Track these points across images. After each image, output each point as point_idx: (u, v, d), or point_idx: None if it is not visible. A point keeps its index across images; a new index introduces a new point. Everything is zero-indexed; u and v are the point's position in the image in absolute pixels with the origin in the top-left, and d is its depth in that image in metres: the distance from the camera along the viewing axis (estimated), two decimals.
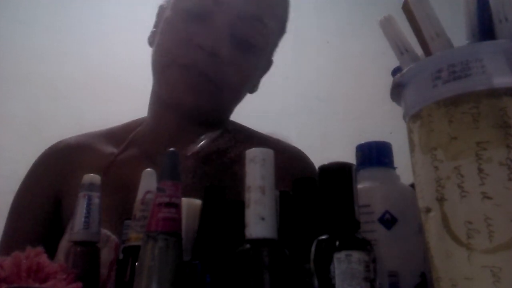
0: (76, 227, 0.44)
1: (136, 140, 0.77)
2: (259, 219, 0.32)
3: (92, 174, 0.46)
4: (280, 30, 0.77)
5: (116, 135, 0.79)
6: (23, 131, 1.75)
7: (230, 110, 0.77)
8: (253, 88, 0.79)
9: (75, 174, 0.73)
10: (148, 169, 0.44)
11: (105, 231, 0.49)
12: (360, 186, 0.39)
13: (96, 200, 0.45)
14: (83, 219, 0.44)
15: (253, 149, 0.34)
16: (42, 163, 0.79)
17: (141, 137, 0.77)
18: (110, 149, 0.76)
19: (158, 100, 0.74)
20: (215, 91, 0.68)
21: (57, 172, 0.75)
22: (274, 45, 0.78)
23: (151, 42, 0.75)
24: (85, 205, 0.44)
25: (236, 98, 0.74)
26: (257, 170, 0.33)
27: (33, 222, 0.73)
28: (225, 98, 0.70)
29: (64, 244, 0.49)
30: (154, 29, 0.76)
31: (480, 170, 0.26)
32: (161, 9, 0.75)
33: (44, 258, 0.38)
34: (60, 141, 0.81)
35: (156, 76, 0.72)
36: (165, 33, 0.71)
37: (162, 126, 0.74)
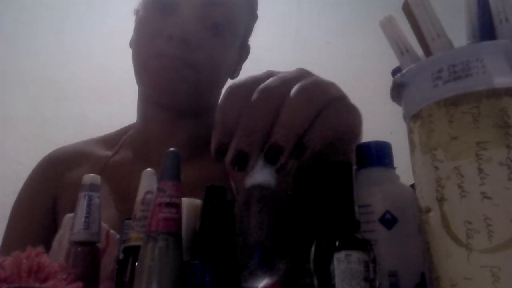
0: (76, 227, 0.44)
1: (128, 142, 0.79)
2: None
3: (92, 174, 0.47)
4: (250, 12, 0.79)
5: (110, 140, 0.82)
6: (26, 132, 1.75)
7: (212, 97, 0.77)
8: (233, 74, 0.80)
9: (70, 177, 0.75)
10: (148, 169, 0.44)
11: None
12: (360, 186, 0.39)
13: (96, 200, 0.45)
14: (83, 219, 0.44)
15: None
16: (40, 170, 0.81)
17: (132, 139, 0.79)
18: (104, 152, 0.78)
19: (144, 100, 0.76)
20: (192, 73, 0.69)
21: (54, 178, 0.77)
22: (247, 29, 0.80)
23: (131, 46, 0.77)
24: (85, 205, 0.44)
25: (215, 81, 0.75)
26: None
27: (32, 225, 0.75)
28: (204, 81, 0.71)
29: (57, 239, 0.50)
30: (133, 34, 0.77)
31: (480, 170, 0.26)
32: (136, 13, 0.77)
33: (44, 258, 0.38)
34: (58, 149, 0.84)
35: (137, 75, 0.74)
36: (138, 31, 0.74)
37: (150, 125, 0.76)
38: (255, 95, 0.36)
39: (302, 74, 0.40)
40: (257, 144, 0.35)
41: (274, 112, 0.36)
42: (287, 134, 0.35)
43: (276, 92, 0.37)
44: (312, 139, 0.36)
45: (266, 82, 0.37)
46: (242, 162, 0.34)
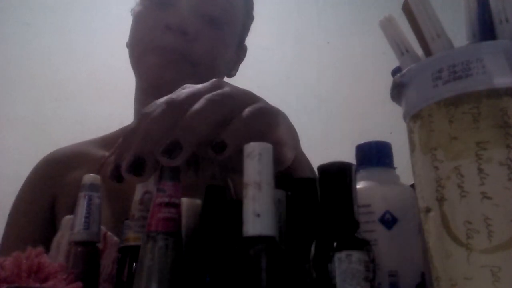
0: (76, 227, 0.44)
1: None
2: (254, 216, 0.32)
3: (92, 174, 0.47)
4: (246, 11, 0.80)
5: (108, 141, 0.82)
6: (27, 132, 1.75)
7: None
8: (230, 72, 0.81)
9: (68, 178, 0.75)
10: None
11: None
12: (360, 186, 0.39)
13: (96, 200, 0.45)
14: (83, 219, 0.44)
15: (250, 144, 0.34)
16: (38, 171, 0.81)
17: None
18: (102, 153, 0.78)
19: (141, 96, 0.76)
20: (190, 67, 0.69)
21: (52, 179, 0.77)
22: (244, 28, 0.81)
23: (128, 46, 0.77)
24: (85, 205, 0.44)
25: (213, 77, 0.75)
26: (253, 165, 0.33)
27: (31, 226, 0.75)
28: (201, 75, 0.71)
29: (56, 241, 0.50)
30: (130, 33, 0.77)
31: (480, 170, 0.26)
32: (132, 12, 0.77)
33: (44, 258, 0.38)
34: (56, 150, 0.84)
35: (135, 70, 0.73)
36: (136, 25, 0.74)
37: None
38: (158, 108, 0.37)
39: (214, 86, 0.40)
40: (152, 148, 0.35)
41: (175, 120, 0.36)
42: (186, 133, 0.35)
43: (180, 103, 0.37)
44: (229, 136, 0.36)
45: (170, 95, 0.38)
46: (138, 168, 0.35)
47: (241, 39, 0.81)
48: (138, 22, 0.74)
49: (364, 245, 0.31)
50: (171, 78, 0.68)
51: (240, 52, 0.82)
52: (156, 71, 0.68)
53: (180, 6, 0.70)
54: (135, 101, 0.78)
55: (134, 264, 0.39)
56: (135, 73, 0.74)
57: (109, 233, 0.49)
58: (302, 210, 0.38)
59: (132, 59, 0.74)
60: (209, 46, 0.71)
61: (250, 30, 0.84)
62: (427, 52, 0.32)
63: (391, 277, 0.36)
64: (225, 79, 0.80)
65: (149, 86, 0.72)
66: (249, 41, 0.84)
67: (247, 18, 0.81)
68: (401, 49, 0.33)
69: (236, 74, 0.84)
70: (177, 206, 0.36)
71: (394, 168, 0.42)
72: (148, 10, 0.72)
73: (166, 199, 0.35)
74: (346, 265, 0.30)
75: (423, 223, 0.30)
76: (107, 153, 0.78)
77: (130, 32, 0.76)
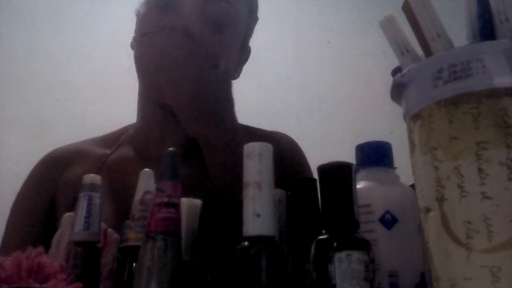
0: (77, 227, 0.44)
1: (127, 141, 0.79)
2: (254, 216, 0.32)
3: (92, 175, 0.46)
4: (250, 13, 0.80)
5: (109, 139, 0.82)
6: (26, 133, 1.75)
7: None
8: (233, 75, 0.81)
9: (68, 176, 0.75)
10: (146, 169, 0.44)
11: None
12: (360, 186, 0.39)
13: (96, 200, 0.45)
14: (83, 219, 0.44)
15: (250, 143, 0.34)
16: (38, 169, 0.81)
17: (131, 137, 0.79)
18: (102, 151, 0.78)
19: (144, 98, 0.76)
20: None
21: (52, 177, 0.77)
22: (247, 29, 0.81)
23: (132, 47, 0.77)
24: (85, 206, 0.44)
25: (216, 79, 0.75)
26: (253, 165, 0.33)
27: (31, 224, 0.75)
28: (204, 79, 0.71)
29: (56, 238, 0.50)
30: (135, 34, 0.77)
31: (480, 170, 0.26)
32: (137, 13, 0.78)
33: (44, 258, 0.38)
34: (56, 148, 0.84)
35: (138, 73, 0.73)
36: (140, 28, 0.74)
37: (150, 124, 0.76)
38: None
39: None
40: None
41: None
42: None
43: None
44: None
45: None
46: None
47: (245, 41, 0.81)
48: (143, 25, 0.74)
49: (364, 245, 0.31)
50: (174, 81, 0.68)
51: (243, 53, 0.82)
52: (157, 74, 0.69)
53: (183, 9, 0.70)
54: (138, 103, 0.78)
55: (134, 264, 0.39)
56: (138, 77, 0.74)
57: (110, 229, 0.49)
58: (302, 210, 0.38)
59: (136, 63, 0.74)
60: (213, 49, 0.71)
61: None
62: (427, 52, 0.32)
63: (391, 277, 0.36)
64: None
65: (151, 91, 0.72)
66: (250, 41, 0.84)
67: (251, 19, 0.81)
68: (401, 49, 0.33)
69: None
70: (176, 206, 0.36)
71: (394, 168, 0.42)
72: (153, 13, 0.73)
73: (166, 199, 0.35)
74: (346, 265, 0.30)
75: (423, 223, 0.30)
76: (107, 151, 0.78)
77: (134, 35, 0.77)
